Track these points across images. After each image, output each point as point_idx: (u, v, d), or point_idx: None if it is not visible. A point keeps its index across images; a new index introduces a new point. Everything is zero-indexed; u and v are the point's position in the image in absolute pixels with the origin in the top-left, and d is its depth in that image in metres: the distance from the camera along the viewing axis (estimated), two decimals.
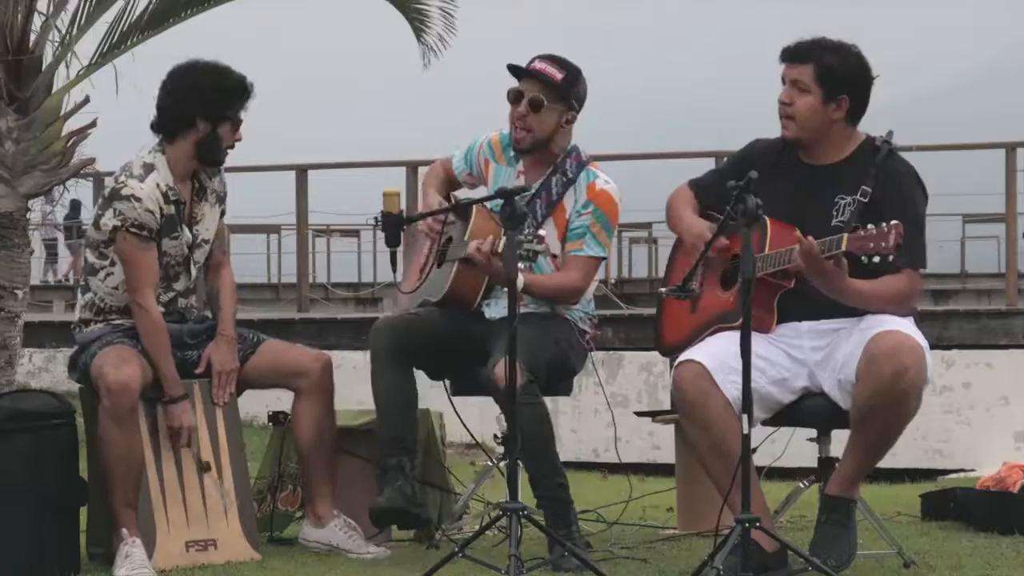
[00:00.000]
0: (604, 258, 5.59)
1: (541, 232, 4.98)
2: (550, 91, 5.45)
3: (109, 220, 5.36)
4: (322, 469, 5.56)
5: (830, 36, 5.06)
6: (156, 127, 5.49)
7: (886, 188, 4.92)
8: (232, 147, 5.50)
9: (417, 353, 5.45)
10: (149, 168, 5.41)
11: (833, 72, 4.95)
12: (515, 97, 5.48)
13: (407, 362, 5.44)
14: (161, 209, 5.39)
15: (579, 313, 5.58)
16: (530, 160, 5.56)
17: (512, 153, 5.60)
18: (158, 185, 5.40)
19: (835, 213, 4.95)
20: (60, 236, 23.10)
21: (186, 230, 5.48)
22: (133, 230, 5.33)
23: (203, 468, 5.41)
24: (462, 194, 5.80)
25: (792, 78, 4.98)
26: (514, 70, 5.50)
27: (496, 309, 5.48)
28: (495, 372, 5.16)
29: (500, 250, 5.06)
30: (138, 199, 5.34)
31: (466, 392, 5.66)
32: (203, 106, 5.42)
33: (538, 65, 5.48)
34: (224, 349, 5.50)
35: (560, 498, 5.30)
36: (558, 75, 5.46)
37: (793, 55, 5.00)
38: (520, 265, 4.92)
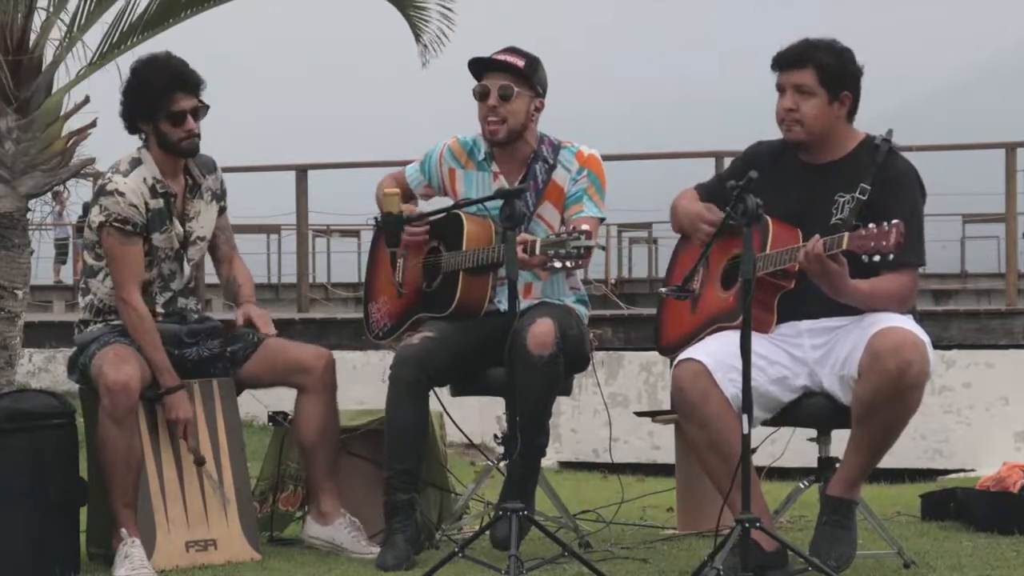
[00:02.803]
0: (603, 219, 5.60)
1: (584, 227, 4.97)
2: (516, 78, 5.46)
3: (95, 217, 5.38)
4: (326, 466, 5.55)
5: (814, 35, 5.05)
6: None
7: (885, 186, 4.93)
8: (187, 139, 5.41)
9: (438, 378, 5.44)
10: (136, 163, 5.43)
11: (833, 71, 4.97)
12: (483, 93, 5.48)
13: (427, 390, 5.43)
14: (147, 203, 5.39)
15: (583, 310, 5.62)
16: (505, 158, 5.54)
17: (481, 157, 5.58)
18: (144, 179, 5.40)
19: (834, 211, 4.95)
20: (71, 235, 23.02)
21: (177, 224, 5.48)
22: (117, 224, 5.34)
23: (199, 462, 5.40)
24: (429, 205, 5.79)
25: (794, 83, 4.97)
26: (475, 66, 5.50)
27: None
28: (529, 331, 5.17)
29: (538, 251, 5.06)
30: (121, 193, 5.34)
31: (468, 392, 5.66)
32: (135, 109, 5.43)
33: (499, 56, 5.50)
34: (254, 308, 5.58)
35: (532, 459, 5.31)
36: (520, 62, 5.48)
37: (790, 61, 4.99)
38: (557, 264, 4.93)
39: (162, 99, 5.37)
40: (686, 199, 5.29)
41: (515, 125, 5.48)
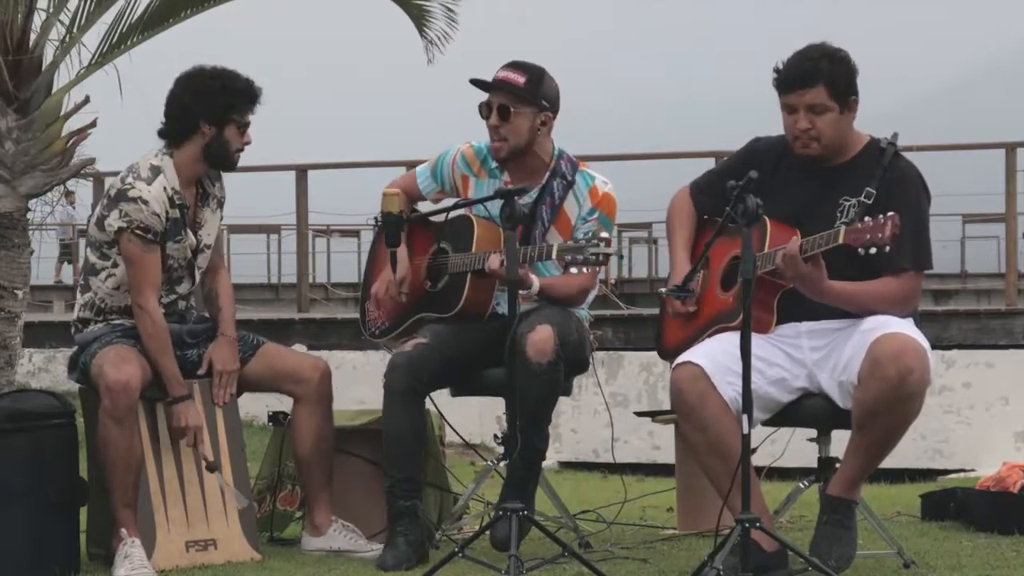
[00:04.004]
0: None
1: (604, 234, 4.98)
2: (515, 97, 5.44)
3: (115, 221, 5.36)
4: (320, 477, 5.56)
5: (802, 44, 4.98)
6: (164, 133, 5.49)
7: (891, 190, 4.92)
8: (241, 150, 5.50)
9: (432, 383, 5.44)
10: (156, 171, 5.42)
11: (842, 82, 4.92)
12: (485, 112, 5.49)
13: (422, 397, 5.43)
14: (167, 212, 5.40)
15: (583, 312, 5.62)
16: (515, 169, 5.53)
17: (494, 165, 5.58)
18: (164, 189, 5.40)
19: (839, 215, 4.94)
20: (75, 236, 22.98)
21: (190, 234, 5.49)
22: (138, 232, 5.34)
23: (211, 468, 5.41)
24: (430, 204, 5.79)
25: (807, 104, 4.90)
26: (479, 84, 5.50)
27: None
28: (529, 338, 5.18)
29: (555, 255, 5.08)
30: (145, 202, 5.34)
31: (467, 393, 5.66)
32: (208, 109, 5.42)
33: (500, 75, 5.48)
34: (225, 349, 5.51)
35: (532, 462, 5.31)
36: (520, 79, 5.45)
37: (800, 81, 4.91)
38: (574, 270, 4.97)
39: (240, 105, 5.43)
40: (680, 230, 5.26)
41: (517, 143, 5.47)
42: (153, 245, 5.37)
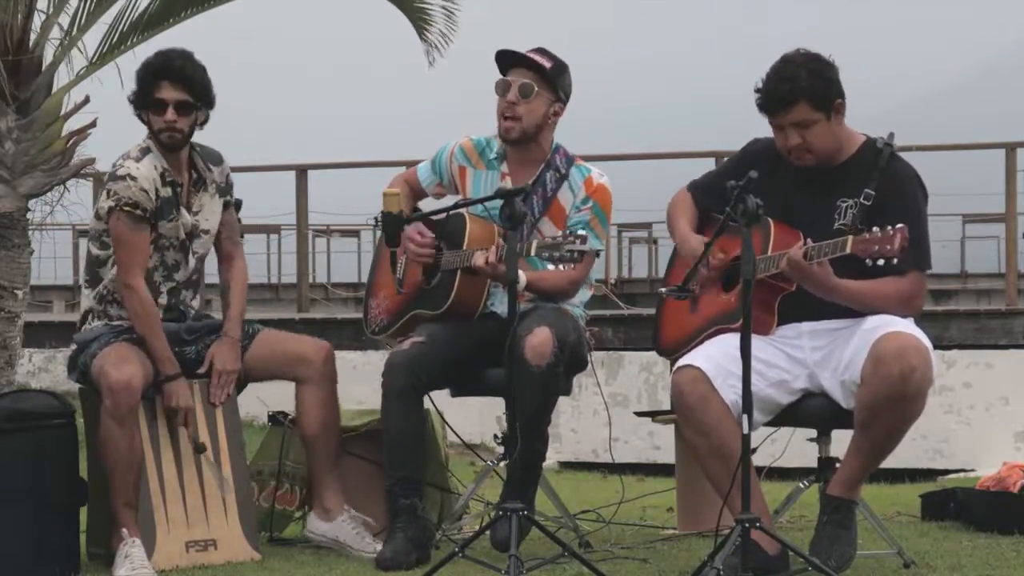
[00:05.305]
0: (601, 250, 5.61)
1: (581, 232, 4.97)
2: (539, 78, 5.46)
3: (104, 202, 5.38)
4: (328, 459, 5.54)
5: (777, 58, 4.95)
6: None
7: (889, 191, 4.91)
8: (166, 130, 5.38)
9: (430, 382, 5.43)
10: (145, 151, 5.44)
11: (822, 92, 4.88)
12: (504, 88, 5.49)
13: (421, 395, 5.42)
14: (157, 190, 5.39)
15: (579, 311, 5.61)
16: (516, 160, 5.54)
17: (492, 156, 5.58)
18: (155, 166, 5.40)
19: (836, 216, 4.94)
20: None
21: (184, 213, 5.47)
22: (127, 209, 5.33)
23: (199, 449, 5.40)
24: (430, 204, 5.79)
25: (792, 122, 4.89)
26: (502, 59, 5.50)
27: (505, 306, 5.46)
28: (527, 341, 5.18)
29: (534, 252, 5.07)
30: (134, 178, 5.34)
31: (467, 393, 5.66)
32: (134, 99, 5.44)
33: (525, 53, 5.50)
34: (227, 349, 5.50)
35: (531, 464, 5.30)
36: (546, 63, 5.47)
37: (781, 103, 4.88)
38: (551, 267, 4.96)
39: (148, 86, 5.39)
40: (682, 218, 5.26)
41: (530, 125, 5.47)
42: (142, 223, 5.35)
